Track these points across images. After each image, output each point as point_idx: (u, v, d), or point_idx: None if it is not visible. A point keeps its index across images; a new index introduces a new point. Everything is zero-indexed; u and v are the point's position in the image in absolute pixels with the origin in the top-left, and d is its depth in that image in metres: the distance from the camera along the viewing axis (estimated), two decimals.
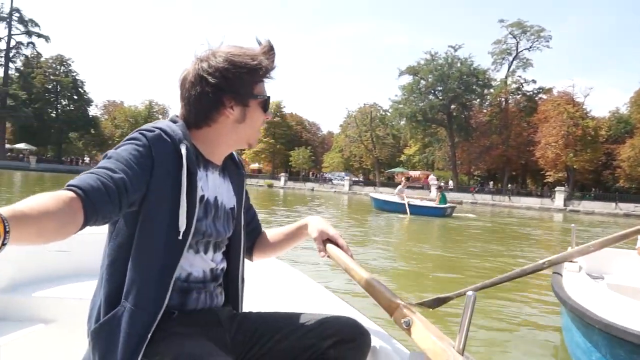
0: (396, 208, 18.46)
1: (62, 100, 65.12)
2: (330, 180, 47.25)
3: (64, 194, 0.90)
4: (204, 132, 1.23)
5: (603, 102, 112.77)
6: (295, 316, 1.29)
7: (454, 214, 19.86)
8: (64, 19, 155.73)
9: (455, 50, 51.96)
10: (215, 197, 1.26)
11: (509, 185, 50.79)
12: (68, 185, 0.93)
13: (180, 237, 1.11)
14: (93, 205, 0.92)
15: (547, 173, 46.94)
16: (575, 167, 44.82)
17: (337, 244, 1.35)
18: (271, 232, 1.51)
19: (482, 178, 57.42)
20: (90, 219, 0.93)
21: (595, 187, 50.87)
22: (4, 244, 0.68)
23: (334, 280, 5.84)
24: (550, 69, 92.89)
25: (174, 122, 1.20)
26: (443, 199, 19.53)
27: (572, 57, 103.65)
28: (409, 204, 18.26)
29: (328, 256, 1.35)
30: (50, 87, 63.46)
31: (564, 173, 46.52)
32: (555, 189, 38.89)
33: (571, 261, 3.31)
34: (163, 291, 1.11)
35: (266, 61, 1.20)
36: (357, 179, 50.55)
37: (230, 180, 1.34)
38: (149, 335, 1.08)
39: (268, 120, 1.29)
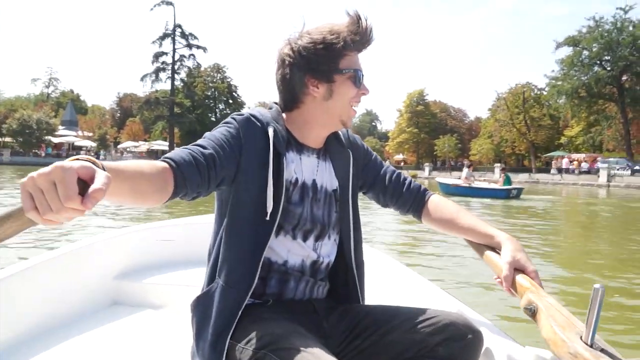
0: (459, 191, 18.18)
1: (219, 105, 71.30)
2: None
3: (158, 163, 0.97)
4: (295, 115, 1.25)
5: None
6: (402, 310, 1.24)
7: (521, 196, 18.54)
8: (215, 29, 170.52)
9: (626, 13, 44.62)
10: (314, 180, 1.26)
11: None
12: (163, 158, 1.01)
13: (267, 218, 1.13)
14: (183, 176, 0.99)
15: None
16: None
17: (531, 278, 1.08)
18: (451, 210, 1.35)
19: None
20: (180, 190, 0.99)
21: None
22: None
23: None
24: None
25: (270, 108, 1.26)
26: (507, 181, 18.60)
27: None
28: (470, 187, 18.20)
29: (510, 289, 1.10)
30: (209, 93, 69.88)
31: None
32: None
33: None
34: (252, 270, 1.14)
35: (349, 33, 1.17)
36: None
37: (332, 162, 1.31)
38: (239, 313, 1.12)
39: (365, 94, 1.24)
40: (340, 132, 1.34)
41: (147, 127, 66.85)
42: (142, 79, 61.61)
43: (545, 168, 46.80)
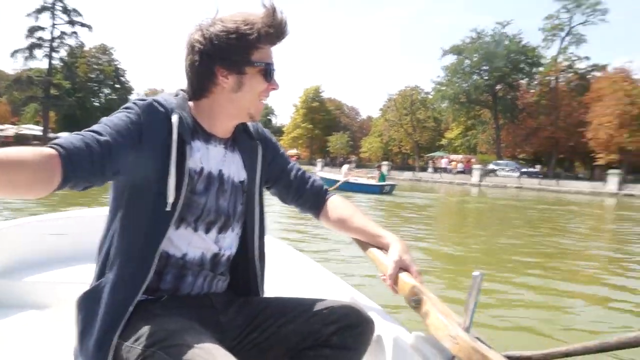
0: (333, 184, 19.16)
1: (104, 89, 66.38)
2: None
3: (44, 150, 0.87)
4: (202, 104, 1.20)
5: None
6: (299, 301, 1.26)
7: (394, 192, 20.55)
8: (104, 8, 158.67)
9: (504, 27, 49.42)
10: (220, 171, 1.22)
11: (557, 169, 48.25)
12: (51, 144, 0.91)
13: (168, 209, 1.08)
14: (73, 165, 0.90)
15: (598, 155, 43.77)
16: (630, 148, 41.67)
17: (411, 275, 1.17)
18: (347, 211, 1.39)
19: (528, 161, 54.96)
20: (68, 180, 0.90)
21: None
22: None
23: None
24: (607, 44, 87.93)
25: (177, 94, 1.20)
26: (382, 177, 20.52)
27: (631, 32, 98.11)
28: (348, 182, 19.00)
29: (394, 287, 1.17)
30: (93, 76, 64.61)
31: (617, 155, 43.37)
32: (608, 172, 36.18)
33: None
34: (147, 265, 1.08)
35: (263, 25, 1.13)
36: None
37: (240, 153, 1.28)
38: (130, 309, 1.05)
39: (275, 90, 1.22)
40: (249, 123, 1.31)
41: (16, 108, 60.02)
42: (12, 55, 55.08)
43: (427, 167, 50.13)
